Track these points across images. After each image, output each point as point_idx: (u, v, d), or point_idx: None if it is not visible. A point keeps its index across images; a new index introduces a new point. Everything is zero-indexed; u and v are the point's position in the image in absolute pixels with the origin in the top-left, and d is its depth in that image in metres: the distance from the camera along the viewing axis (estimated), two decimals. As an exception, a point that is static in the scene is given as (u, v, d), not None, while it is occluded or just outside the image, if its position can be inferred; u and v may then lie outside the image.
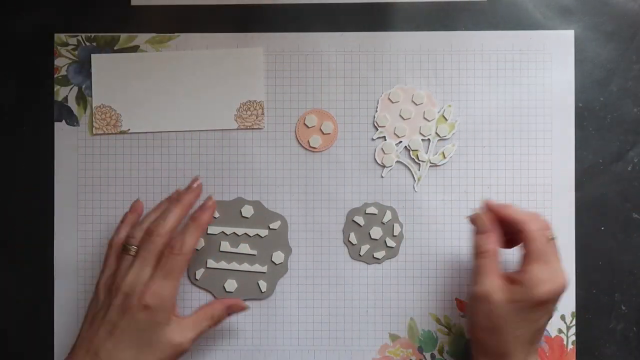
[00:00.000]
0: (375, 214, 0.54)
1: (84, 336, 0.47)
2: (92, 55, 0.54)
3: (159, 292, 0.46)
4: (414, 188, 0.54)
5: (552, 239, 0.47)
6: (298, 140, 0.54)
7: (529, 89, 0.54)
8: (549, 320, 0.47)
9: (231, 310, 0.50)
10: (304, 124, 0.54)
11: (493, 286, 0.46)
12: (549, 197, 0.54)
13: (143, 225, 0.49)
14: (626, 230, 0.54)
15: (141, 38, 0.54)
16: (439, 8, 0.54)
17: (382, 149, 0.54)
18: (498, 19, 0.54)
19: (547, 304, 0.46)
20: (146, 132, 0.55)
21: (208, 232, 0.53)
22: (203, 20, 0.55)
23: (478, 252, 0.48)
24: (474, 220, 0.49)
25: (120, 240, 0.50)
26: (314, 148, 0.54)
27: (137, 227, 0.50)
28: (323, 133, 0.54)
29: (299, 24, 0.55)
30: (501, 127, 0.54)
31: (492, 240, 0.48)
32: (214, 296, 0.54)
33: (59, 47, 0.55)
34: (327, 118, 0.54)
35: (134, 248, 0.48)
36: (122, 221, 0.51)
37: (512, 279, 0.46)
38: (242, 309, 0.51)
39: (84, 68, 0.55)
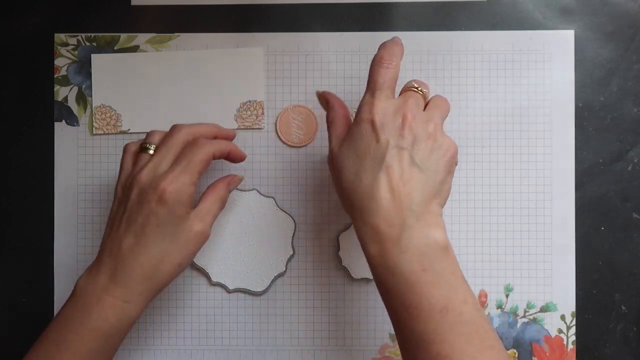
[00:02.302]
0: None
1: (105, 240, 0.45)
2: (92, 55, 0.54)
3: (176, 185, 0.44)
4: (414, 188, 0.54)
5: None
6: (280, 138, 0.54)
7: (529, 89, 0.54)
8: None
9: (231, 187, 0.50)
10: (287, 121, 0.54)
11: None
12: (549, 197, 0.54)
13: (164, 131, 0.48)
14: (626, 230, 0.54)
15: (141, 38, 0.54)
16: (439, 8, 0.54)
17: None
18: (498, 19, 0.54)
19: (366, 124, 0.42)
20: (146, 132, 0.54)
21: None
22: (203, 20, 0.55)
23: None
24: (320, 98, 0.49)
25: (136, 144, 0.48)
26: (297, 143, 0.54)
27: (156, 131, 0.48)
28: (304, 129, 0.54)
29: (299, 24, 0.55)
30: (501, 127, 0.54)
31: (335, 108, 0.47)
32: (209, 277, 0.54)
33: (59, 47, 0.55)
34: (306, 113, 0.54)
35: (152, 147, 0.46)
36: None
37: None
38: (239, 181, 0.51)
39: (84, 68, 0.55)
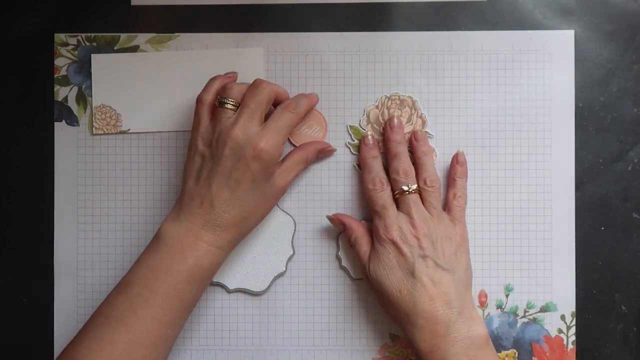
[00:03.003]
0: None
1: (192, 191, 0.48)
2: (92, 55, 0.54)
3: (272, 145, 0.47)
4: (414, 188, 0.54)
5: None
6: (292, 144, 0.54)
7: (529, 89, 0.54)
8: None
9: (321, 154, 0.53)
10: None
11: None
12: (549, 197, 0.54)
13: (242, 85, 0.49)
14: (626, 230, 0.54)
15: (141, 38, 0.55)
16: (439, 8, 0.54)
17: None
18: (498, 19, 0.54)
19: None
20: (146, 132, 0.55)
21: None
22: (203, 20, 0.55)
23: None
24: (332, 221, 0.53)
25: (211, 97, 0.50)
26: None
27: (233, 84, 0.50)
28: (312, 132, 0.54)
29: (299, 24, 0.55)
30: (501, 127, 0.54)
31: (355, 228, 0.52)
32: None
33: (59, 47, 0.55)
34: (316, 118, 0.54)
35: (230, 101, 0.48)
36: (211, 80, 0.51)
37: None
38: (331, 152, 0.54)
39: (84, 68, 0.55)
